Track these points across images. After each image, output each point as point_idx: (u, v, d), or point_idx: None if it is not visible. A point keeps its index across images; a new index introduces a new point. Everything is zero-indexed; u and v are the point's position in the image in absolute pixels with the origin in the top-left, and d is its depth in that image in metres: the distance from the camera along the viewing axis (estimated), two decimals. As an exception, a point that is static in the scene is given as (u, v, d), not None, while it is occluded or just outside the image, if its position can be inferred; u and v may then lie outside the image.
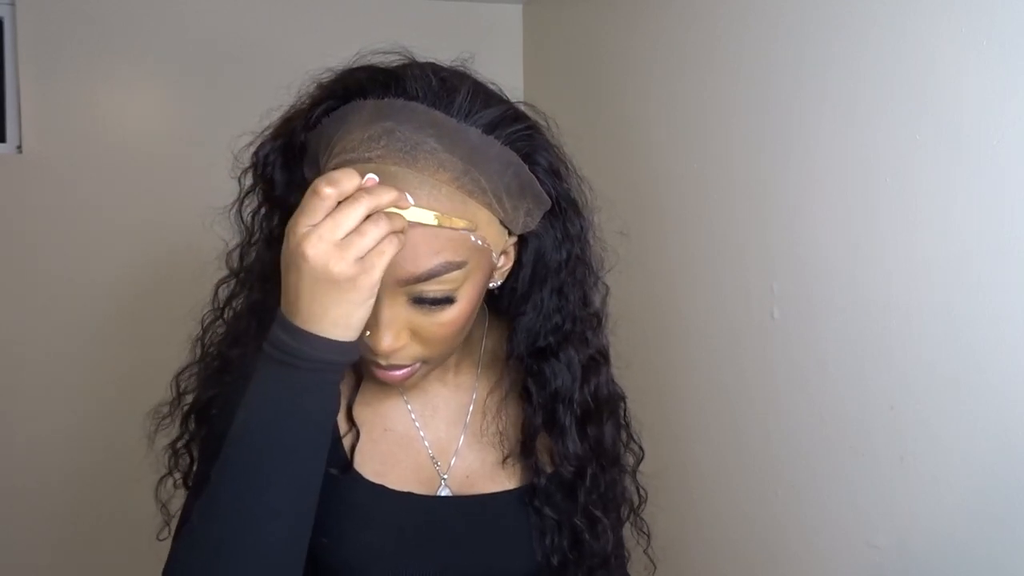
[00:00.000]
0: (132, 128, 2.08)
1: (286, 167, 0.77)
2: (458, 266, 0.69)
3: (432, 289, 0.69)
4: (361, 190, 0.63)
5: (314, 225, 0.62)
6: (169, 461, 0.86)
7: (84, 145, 2.03)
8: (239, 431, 0.66)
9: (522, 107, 0.77)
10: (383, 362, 0.73)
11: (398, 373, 0.75)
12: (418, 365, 0.75)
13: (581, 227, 0.81)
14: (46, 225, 2.01)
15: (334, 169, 0.69)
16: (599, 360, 0.86)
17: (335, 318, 0.63)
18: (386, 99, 0.70)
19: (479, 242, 0.71)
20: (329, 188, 0.62)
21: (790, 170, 1.29)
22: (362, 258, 0.62)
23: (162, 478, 0.86)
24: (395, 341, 0.71)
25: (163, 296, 1.97)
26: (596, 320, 0.86)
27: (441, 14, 2.25)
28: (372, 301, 0.64)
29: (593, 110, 1.93)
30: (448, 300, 0.71)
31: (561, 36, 2.14)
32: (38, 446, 2.02)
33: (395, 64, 0.74)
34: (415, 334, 0.72)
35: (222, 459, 0.67)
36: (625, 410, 0.92)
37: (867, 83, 1.13)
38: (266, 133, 0.78)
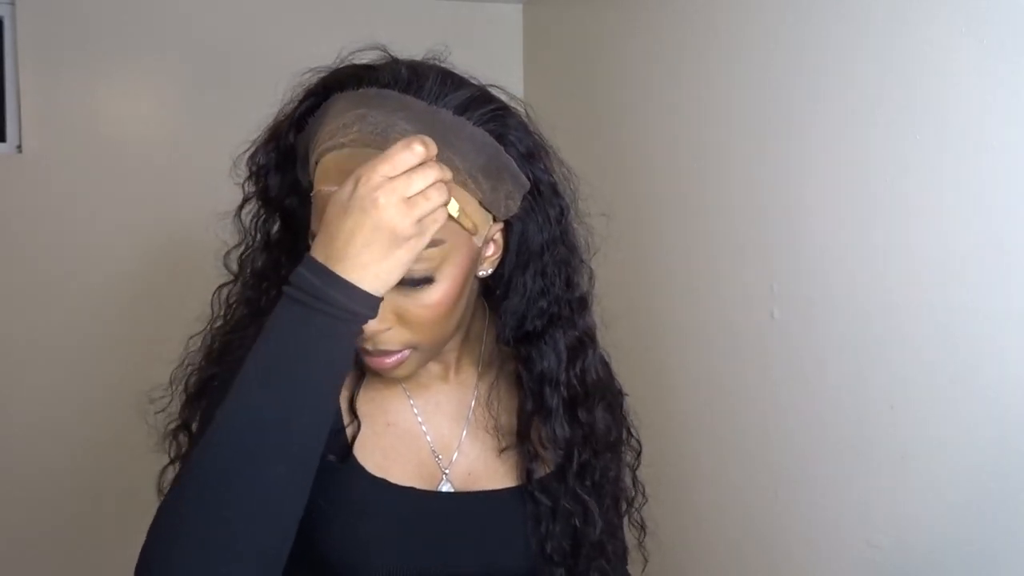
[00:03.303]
0: (132, 128, 2.08)
1: (279, 170, 0.79)
2: (434, 244, 0.70)
3: (411, 268, 0.69)
4: (431, 160, 0.65)
5: (391, 178, 0.63)
6: (170, 448, 0.86)
7: (84, 145, 2.03)
8: (250, 370, 0.66)
9: (494, 90, 0.78)
10: (370, 347, 0.74)
11: (388, 360, 0.75)
12: (407, 352, 0.76)
13: (561, 209, 0.82)
14: (46, 225, 2.01)
15: (316, 163, 0.72)
16: (585, 342, 0.86)
17: (378, 271, 0.64)
18: (360, 89, 0.73)
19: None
20: (421, 147, 0.64)
21: (790, 170, 1.29)
22: (420, 220, 0.64)
23: (164, 468, 0.86)
24: (380, 323, 0.71)
25: (162, 295, 1.97)
26: (581, 303, 0.87)
27: (441, 14, 2.25)
28: (412, 264, 0.66)
29: (593, 109, 1.93)
30: (428, 280, 0.72)
31: (561, 36, 2.14)
32: (37, 444, 2.02)
33: (373, 61, 0.77)
34: (401, 318, 0.73)
35: (229, 397, 0.66)
36: (623, 406, 0.92)
37: (867, 83, 1.13)
38: (259, 140, 0.80)
